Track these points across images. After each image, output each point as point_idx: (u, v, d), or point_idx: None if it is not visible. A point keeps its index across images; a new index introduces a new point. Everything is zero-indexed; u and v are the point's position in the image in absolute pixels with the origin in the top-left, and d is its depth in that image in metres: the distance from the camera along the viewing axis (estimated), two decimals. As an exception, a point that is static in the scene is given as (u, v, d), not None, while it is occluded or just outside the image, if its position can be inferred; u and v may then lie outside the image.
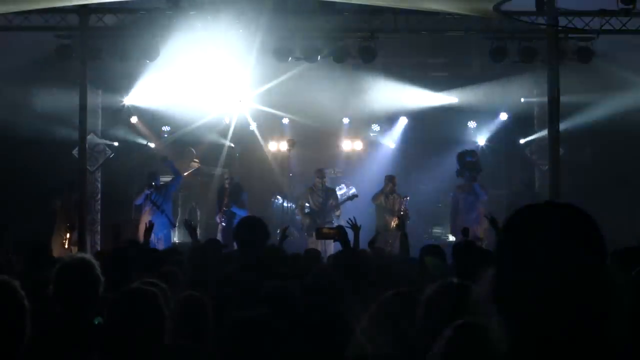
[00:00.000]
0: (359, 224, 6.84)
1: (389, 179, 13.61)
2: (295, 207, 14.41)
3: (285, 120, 15.72)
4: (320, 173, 13.61)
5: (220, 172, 14.47)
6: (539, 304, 1.52)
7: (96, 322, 3.45)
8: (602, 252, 1.58)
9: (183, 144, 15.20)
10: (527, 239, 1.57)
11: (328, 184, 14.03)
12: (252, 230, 4.95)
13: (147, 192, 12.94)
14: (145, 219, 12.67)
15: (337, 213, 13.47)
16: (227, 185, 13.49)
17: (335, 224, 11.68)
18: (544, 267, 1.53)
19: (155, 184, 13.08)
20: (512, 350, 1.57)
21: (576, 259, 1.53)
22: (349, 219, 7.06)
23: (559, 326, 1.52)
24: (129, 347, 3.11)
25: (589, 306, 1.52)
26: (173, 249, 8.99)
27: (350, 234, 6.62)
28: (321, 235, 10.11)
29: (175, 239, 14.24)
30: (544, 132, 13.03)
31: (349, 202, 13.76)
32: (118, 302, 3.31)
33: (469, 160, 13.78)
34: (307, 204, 13.59)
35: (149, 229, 7.33)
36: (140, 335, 3.13)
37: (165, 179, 13.55)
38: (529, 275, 1.54)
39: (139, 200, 13.22)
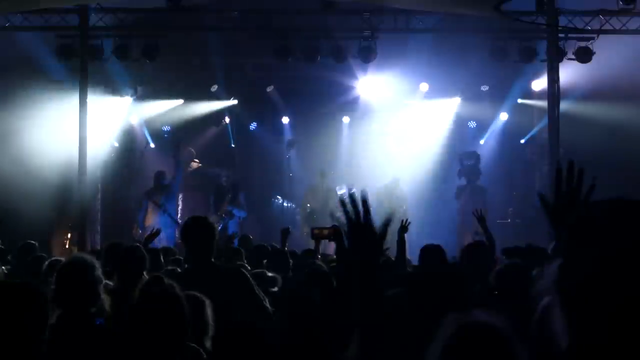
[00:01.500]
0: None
1: (396, 181, 13.65)
2: (296, 207, 14.43)
3: (285, 120, 15.72)
4: (322, 173, 13.61)
5: (218, 173, 14.45)
6: (613, 299, 1.49)
7: (97, 323, 3.45)
8: None
9: (183, 144, 15.18)
10: (606, 233, 1.54)
11: (328, 184, 14.04)
12: (197, 230, 4.97)
13: (145, 205, 13.05)
14: (149, 218, 12.74)
15: (338, 214, 13.44)
16: (224, 184, 13.51)
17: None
18: (621, 261, 1.50)
19: (162, 183, 13.15)
20: (575, 343, 1.54)
21: None
22: None
23: (627, 324, 1.48)
24: (151, 349, 3.04)
25: None
26: (170, 248, 8.99)
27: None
28: (316, 236, 9.98)
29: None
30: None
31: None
32: (142, 303, 3.23)
33: (467, 164, 13.85)
34: (307, 205, 13.61)
35: (153, 235, 7.34)
36: (164, 338, 3.06)
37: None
38: (605, 269, 1.50)
39: (140, 216, 13.24)
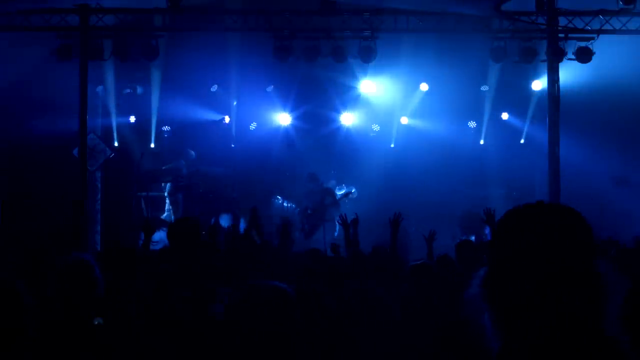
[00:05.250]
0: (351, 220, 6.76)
1: None
2: (296, 207, 14.45)
3: (285, 120, 15.71)
4: (312, 177, 13.66)
5: (218, 173, 14.39)
6: (528, 302, 1.55)
7: (96, 323, 3.44)
8: (590, 250, 1.60)
9: (183, 144, 15.19)
10: (518, 238, 1.60)
11: (326, 184, 14.05)
12: (185, 232, 4.99)
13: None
14: None
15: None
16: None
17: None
18: (534, 265, 1.56)
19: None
20: (503, 346, 1.58)
21: (564, 256, 1.56)
22: (340, 215, 7.05)
23: (548, 323, 1.54)
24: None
25: (577, 302, 1.54)
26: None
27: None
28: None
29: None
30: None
31: (347, 201, 13.80)
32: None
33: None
34: (306, 205, 13.65)
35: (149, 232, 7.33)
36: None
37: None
38: (518, 273, 1.56)
39: None
